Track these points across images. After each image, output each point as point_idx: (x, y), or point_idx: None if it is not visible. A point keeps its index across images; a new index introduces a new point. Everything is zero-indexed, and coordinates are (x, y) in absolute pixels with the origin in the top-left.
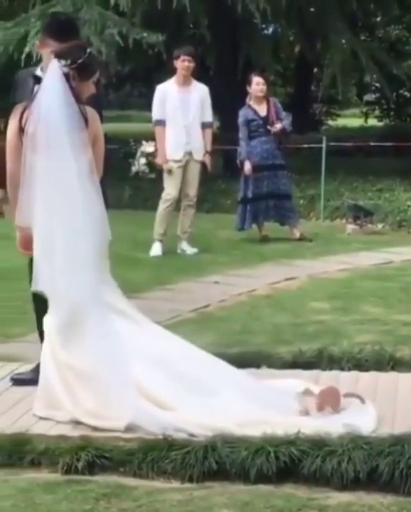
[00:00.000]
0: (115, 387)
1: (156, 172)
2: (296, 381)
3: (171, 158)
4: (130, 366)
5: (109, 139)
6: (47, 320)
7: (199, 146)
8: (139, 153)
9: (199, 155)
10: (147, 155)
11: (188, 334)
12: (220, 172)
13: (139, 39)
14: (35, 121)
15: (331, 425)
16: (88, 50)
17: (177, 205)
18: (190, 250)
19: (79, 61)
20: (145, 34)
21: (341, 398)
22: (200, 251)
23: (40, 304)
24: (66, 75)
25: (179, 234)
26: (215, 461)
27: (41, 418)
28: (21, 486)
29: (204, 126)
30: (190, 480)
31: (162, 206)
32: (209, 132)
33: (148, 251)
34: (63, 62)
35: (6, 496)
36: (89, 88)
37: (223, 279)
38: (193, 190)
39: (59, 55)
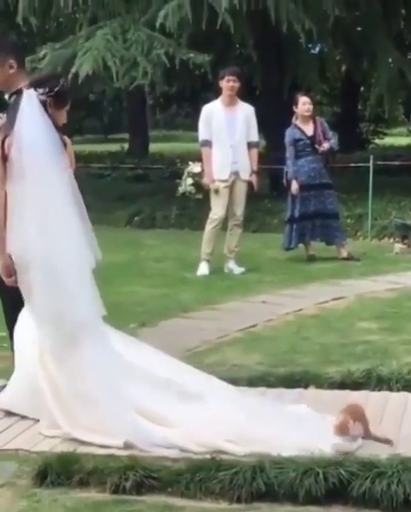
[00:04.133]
0: (111, 405)
1: (202, 192)
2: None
3: (218, 178)
4: (125, 383)
5: (156, 159)
6: (36, 338)
7: (245, 165)
8: (185, 174)
9: (245, 174)
10: (194, 175)
11: (236, 354)
12: (266, 191)
13: (186, 60)
14: (19, 148)
15: (316, 444)
16: (62, 80)
17: (224, 224)
18: (237, 270)
19: (56, 89)
20: (191, 54)
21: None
22: (247, 270)
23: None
24: (43, 103)
25: (226, 253)
26: (263, 482)
27: (47, 437)
28: (69, 506)
29: (250, 145)
30: (239, 501)
31: (209, 226)
32: (255, 152)
33: (195, 271)
34: (41, 90)
35: None
36: (63, 116)
37: (270, 298)
38: (240, 210)
39: (36, 84)
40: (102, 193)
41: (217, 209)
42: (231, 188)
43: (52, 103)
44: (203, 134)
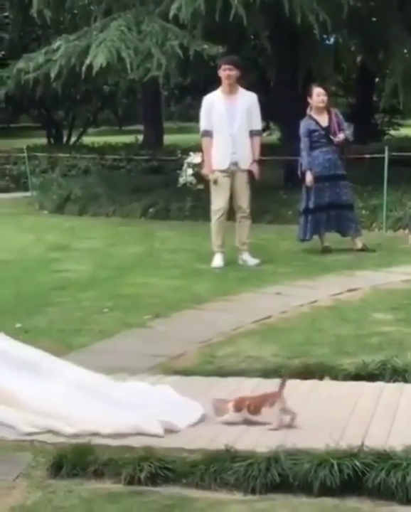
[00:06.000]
0: None
1: (203, 183)
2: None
3: (217, 169)
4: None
5: (170, 151)
6: None
7: (245, 155)
8: (185, 165)
9: (245, 164)
10: (194, 166)
11: (250, 345)
12: (281, 183)
13: (200, 51)
14: None
15: (145, 421)
16: None
17: (233, 216)
18: (251, 261)
19: None
20: (206, 46)
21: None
22: (261, 262)
23: None
24: None
25: (238, 246)
26: (277, 473)
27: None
28: (85, 496)
29: (252, 134)
30: (253, 492)
31: (213, 218)
32: (257, 140)
33: (210, 262)
34: None
35: (69, 507)
36: None
37: (285, 290)
38: (244, 202)
39: None
40: (117, 184)
41: (218, 200)
42: (232, 178)
43: None
44: (203, 124)
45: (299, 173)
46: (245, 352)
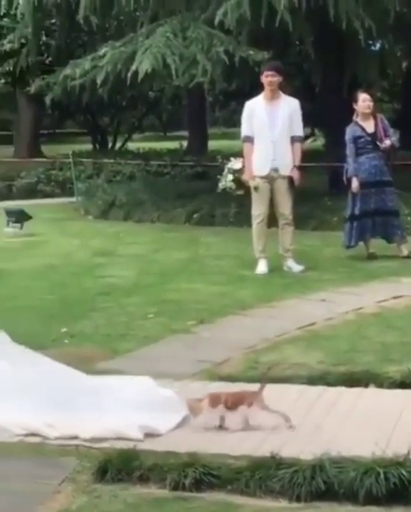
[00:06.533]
0: None
1: (243, 188)
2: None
3: (257, 175)
4: None
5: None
6: None
7: (286, 161)
8: (225, 170)
9: (286, 170)
10: (234, 171)
11: (295, 352)
12: (325, 189)
13: (245, 57)
14: None
15: (125, 426)
16: None
17: (276, 223)
18: (296, 267)
19: None
20: (251, 52)
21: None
22: (306, 268)
23: None
24: None
25: (282, 253)
26: (323, 481)
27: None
28: (130, 502)
29: (293, 140)
30: (298, 499)
31: (254, 223)
32: (298, 146)
33: (254, 268)
34: None
35: (115, 511)
36: None
37: (330, 296)
38: (286, 209)
39: None
40: (161, 190)
41: (258, 206)
42: (272, 185)
43: None
44: (244, 129)
45: (344, 179)
46: (290, 359)
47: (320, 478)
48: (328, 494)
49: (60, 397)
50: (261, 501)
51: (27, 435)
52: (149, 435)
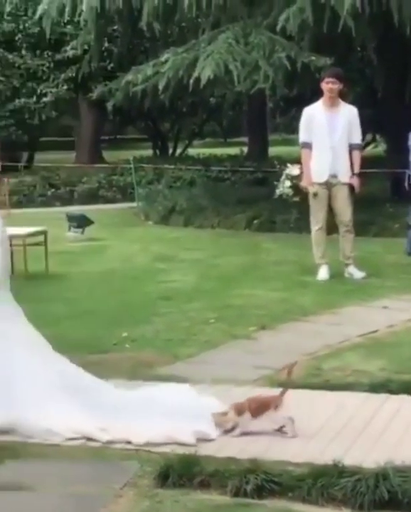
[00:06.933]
0: None
1: (300, 195)
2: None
3: (316, 181)
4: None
5: (273, 162)
6: None
7: (345, 168)
8: (283, 176)
9: (345, 177)
10: (292, 178)
11: (357, 359)
12: (387, 196)
13: (307, 63)
14: None
15: (178, 431)
16: None
17: (336, 230)
18: (357, 274)
19: None
20: (313, 58)
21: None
22: (367, 275)
23: None
24: None
25: (343, 260)
26: (386, 489)
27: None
28: (191, 507)
29: (352, 147)
30: (361, 508)
31: (313, 230)
32: (357, 154)
33: (315, 274)
34: None
35: None
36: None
37: (392, 303)
38: (346, 216)
39: None
40: (222, 196)
41: (316, 212)
42: (330, 191)
43: None
44: (303, 136)
45: (406, 185)
46: (352, 366)
47: (383, 487)
48: (391, 504)
49: (109, 401)
50: (323, 509)
51: (77, 439)
52: (201, 440)
